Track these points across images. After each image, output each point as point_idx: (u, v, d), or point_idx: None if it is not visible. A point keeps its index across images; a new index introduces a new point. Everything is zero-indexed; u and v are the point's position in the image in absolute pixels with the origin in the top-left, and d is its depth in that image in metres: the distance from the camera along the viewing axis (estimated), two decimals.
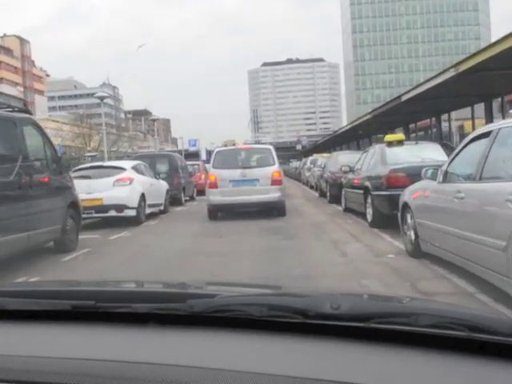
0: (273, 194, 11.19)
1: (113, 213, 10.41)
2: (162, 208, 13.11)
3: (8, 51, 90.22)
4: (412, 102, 14.24)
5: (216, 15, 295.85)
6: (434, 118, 20.14)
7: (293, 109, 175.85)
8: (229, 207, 11.62)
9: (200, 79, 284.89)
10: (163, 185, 13.49)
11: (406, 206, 5.90)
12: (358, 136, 35.89)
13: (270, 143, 33.54)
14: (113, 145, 54.15)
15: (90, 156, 40.77)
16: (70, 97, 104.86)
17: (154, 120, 42.11)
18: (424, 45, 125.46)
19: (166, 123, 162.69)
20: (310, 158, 26.28)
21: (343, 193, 11.58)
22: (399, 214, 6.16)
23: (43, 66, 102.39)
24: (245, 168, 11.38)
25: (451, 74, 10.15)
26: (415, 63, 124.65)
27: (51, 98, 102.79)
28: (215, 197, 11.36)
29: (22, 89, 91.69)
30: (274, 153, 11.76)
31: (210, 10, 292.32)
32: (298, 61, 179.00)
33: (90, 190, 10.19)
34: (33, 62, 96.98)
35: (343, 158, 14.34)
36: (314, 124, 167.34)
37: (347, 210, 11.21)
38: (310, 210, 12.80)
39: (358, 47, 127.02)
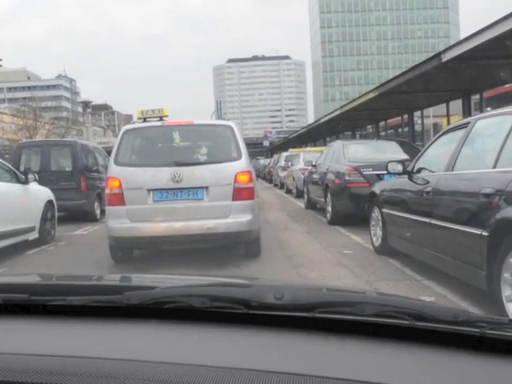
0: (236, 218, 5.49)
1: None
2: (34, 236, 7.16)
3: None
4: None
5: (179, 12, 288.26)
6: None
7: (258, 106, 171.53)
8: (147, 243, 5.80)
9: (163, 76, 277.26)
10: (36, 192, 7.46)
11: None
12: (337, 130, 30.49)
13: None
14: (61, 138, 48.42)
15: None
16: (23, 88, 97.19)
17: (113, 113, 35.68)
18: (394, 42, 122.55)
19: (128, 119, 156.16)
20: (285, 155, 20.70)
21: (375, 215, 5.83)
22: None
23: None
24: (181, 165, 5.55)
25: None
26: (384, 60, 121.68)
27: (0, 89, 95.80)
28: (120, 222, 5.53)
29: None
30: (238, 136, 5.95)
31: (173, 6, 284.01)
32: (263, 58, 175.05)
33: None
34: None
35: (355, 150, 8.51)
36: (280, 122, 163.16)
37: (390, 251, 5.52)
38: (307, 245, 6.86)
39: (327, 42, 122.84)
